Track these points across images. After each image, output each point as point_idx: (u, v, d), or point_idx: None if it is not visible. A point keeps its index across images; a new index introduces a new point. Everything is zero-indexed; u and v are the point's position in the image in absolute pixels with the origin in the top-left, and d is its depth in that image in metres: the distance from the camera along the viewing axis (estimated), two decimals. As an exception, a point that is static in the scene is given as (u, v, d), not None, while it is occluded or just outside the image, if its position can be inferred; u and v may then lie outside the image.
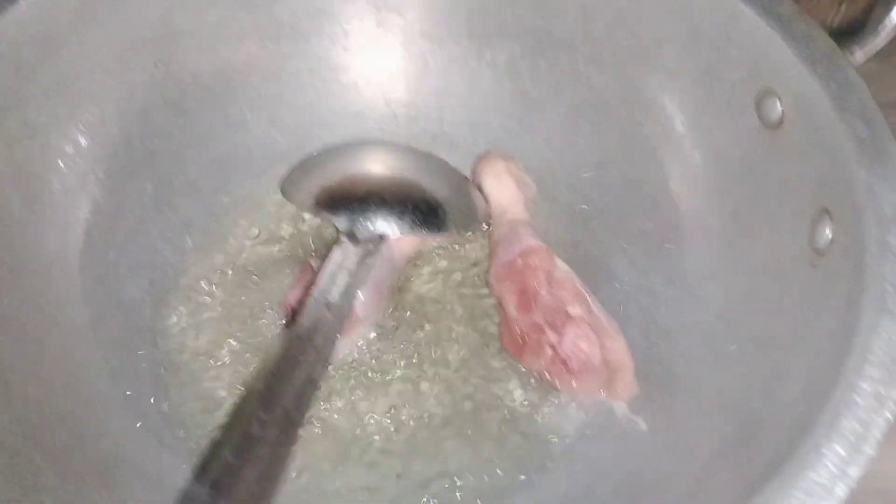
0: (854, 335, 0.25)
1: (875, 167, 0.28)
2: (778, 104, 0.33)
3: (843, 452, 0.22)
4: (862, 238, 0.27)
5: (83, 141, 0.36)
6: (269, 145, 0.41)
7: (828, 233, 0.30)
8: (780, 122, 0.33)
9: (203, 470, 0.30)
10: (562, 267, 0.36)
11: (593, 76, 0.40)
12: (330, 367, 0.34)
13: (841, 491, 0.21)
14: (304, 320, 0.30)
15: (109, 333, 0.34)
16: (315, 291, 0.31)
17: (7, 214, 0.32)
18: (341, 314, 0.31)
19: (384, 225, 0.36)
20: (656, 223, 0.37)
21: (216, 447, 0.31)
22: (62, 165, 0.35)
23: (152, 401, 0.33)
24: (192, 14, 0.38)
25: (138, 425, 0.31)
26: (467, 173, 0.41)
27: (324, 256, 0.35)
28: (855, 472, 0.22)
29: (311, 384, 0.30)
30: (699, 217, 0.36)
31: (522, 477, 0.33)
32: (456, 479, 0.33)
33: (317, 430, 0.33)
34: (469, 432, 0.34)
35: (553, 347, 0.35)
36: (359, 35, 0.42)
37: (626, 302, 0.37)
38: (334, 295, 0.31)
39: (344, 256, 0.33)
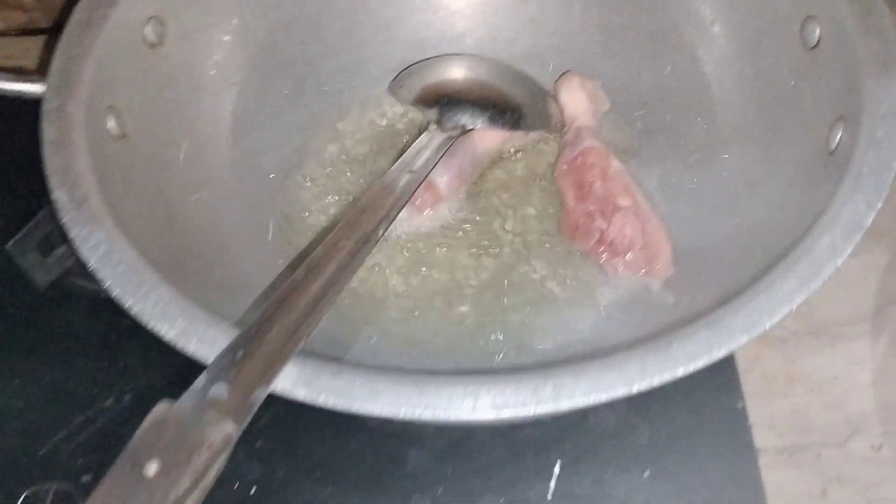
0: (829, 205, 0.30)
1: (881, 77, 0.33)
2: (817, 29, 0.37)
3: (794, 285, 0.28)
4: (857, 135, 0.32)
5: (233, 41, 0.45)
6: (385, 58, 0.49)
7: (839, 136, 0.34)
8: (817, 44, 0.37)
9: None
10: (615, 165, 0.42)
11: (671, 7, 0.45)
12: (407, 235, 0.42)
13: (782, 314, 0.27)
14: (387, 178, 0.37)
15: (248, 192, 0.43)
16: (400, 160, 0.39)
17: (177, 92, 0.42)
18: (418, 181, 0.38)
19: (466, 117, 0.43)
20: (707, 135, 0.43)
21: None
22: (217, 59, 0.44)
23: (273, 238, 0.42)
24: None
25: (262, 257, 0.40)
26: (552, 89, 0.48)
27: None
28: (799, 299, 0.27)
29: (379, 229, 0.36)
30: (743, 129, 0.41)
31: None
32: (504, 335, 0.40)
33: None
34: (518, 298, 0.41)
35: (602, 232, 0.41)
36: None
37: (672, 201, 0.42)
38: (415, 165, 0.39)
39: (430, 138, 0.41)
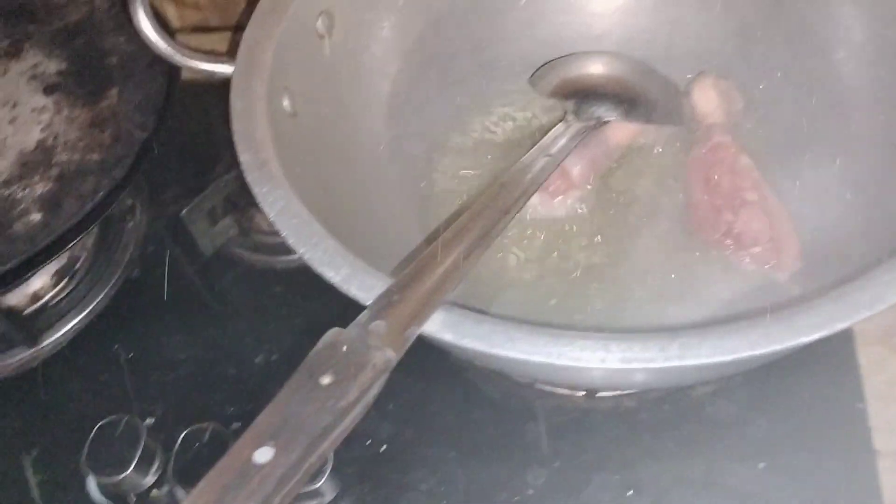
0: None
1: None
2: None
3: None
4: None
5: (390, 36, 0.49)
6: (526, 55, 0.52)
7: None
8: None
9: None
10: (744, 161, 0.43)
11: (807, 11, 0.46)
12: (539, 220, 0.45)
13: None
14: (525, 159, 0.40)
15: (396, 169, 0.47)
16: (538, 145, 0.42)
17: (339, 79, 0.46)
18: (554, 164, 0.41)
19: (602, 110, 0.46)
20: (840, 135, 0.44)
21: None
22: (375, 52, 0.49)
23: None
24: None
25: (403, 229, 0.44)
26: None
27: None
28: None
29: (518, 203, 0.39)
30: (877, 131, 0.42)
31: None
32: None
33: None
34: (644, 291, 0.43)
35: (729, 224, 0.42)
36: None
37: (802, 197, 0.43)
38: (552, 150, 0.42)
39: (566, 127, 0.44)
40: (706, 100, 0.46)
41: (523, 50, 0.52)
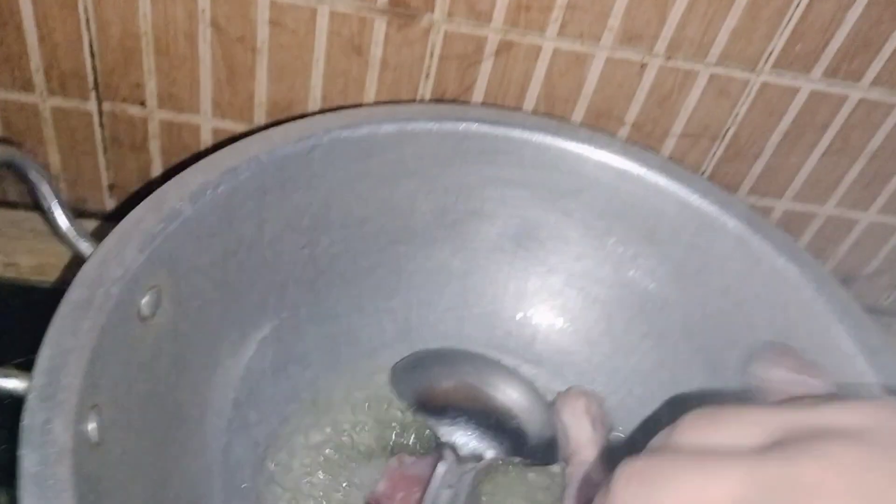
0: None
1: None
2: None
3: None
4: None
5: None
6: (380, 331, 0.45)
7: None
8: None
9: None
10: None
11: (680, 338, 0.44)
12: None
13: None
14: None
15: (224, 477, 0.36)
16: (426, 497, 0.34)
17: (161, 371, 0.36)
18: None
19: (485, 446, 0.39)
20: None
21: None
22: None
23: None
24: (345, 211, 0.43)
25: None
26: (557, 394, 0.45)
27: (413, 454, 0.39)
28: None
29: None
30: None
31: None
32: None
33: None
34: None
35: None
36: (476, 252, 0.46)
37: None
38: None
39: (447, 472, 0.36)
40: (578, 429, 0.42)
41: (377, 326, 0.45)
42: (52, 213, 0.35)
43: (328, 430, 0.41)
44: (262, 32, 0.43)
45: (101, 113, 0.46)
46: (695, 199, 0.41)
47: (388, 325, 0.45)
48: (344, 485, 0.39)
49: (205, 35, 0.43)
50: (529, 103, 0.47)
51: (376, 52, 0.44)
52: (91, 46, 0.43)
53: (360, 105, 0.46)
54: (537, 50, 0.44)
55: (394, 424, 0.41)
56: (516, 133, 0.42)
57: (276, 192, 0.39)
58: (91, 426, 0.29)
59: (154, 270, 0.34)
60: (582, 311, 0.47)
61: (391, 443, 0.41)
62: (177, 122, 0.47)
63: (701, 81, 0.46)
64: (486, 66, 0.45)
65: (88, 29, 0.42)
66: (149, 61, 0.44)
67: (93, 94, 0.45)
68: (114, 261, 0.32)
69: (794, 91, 0.46)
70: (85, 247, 0.35)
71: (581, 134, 0.43)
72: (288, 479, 0.39)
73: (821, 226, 0.55)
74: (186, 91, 0.45)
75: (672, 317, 0.44)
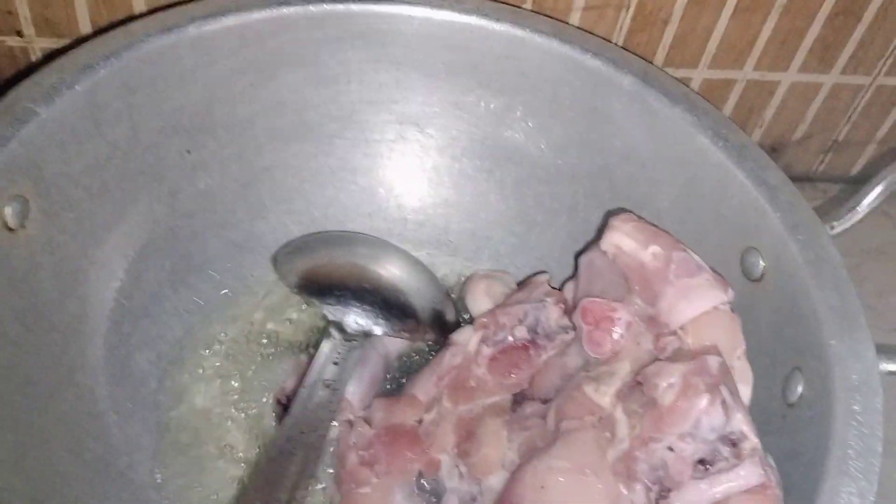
0: (816, 493, 0.27)
1: (845, 337, 0.31)
2: (760, 261, 0.36)
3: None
4: (830, 402, 0.30)
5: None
6: (285, 235, 0.43)
7: (799, 389, 0.32)
8: (761, 278, 0.36)
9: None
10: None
11: (590, 209, 0.43)
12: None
13: None
14: (295, 411, 0.31)
15: (118, 401, 0.35)
16: (304, 384, 0.33)
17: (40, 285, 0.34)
18: (337, 397, 0.32)
19: (371, 322, 0.38)
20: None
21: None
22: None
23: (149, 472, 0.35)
24: (228, 110, 0.41)
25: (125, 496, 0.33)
26: (464, 279, 0.44)
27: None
28: None
29: (306, 476, 0.31)
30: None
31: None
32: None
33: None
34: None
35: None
36: (379, 143, 0.45)
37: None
38: (322, 387, 0.33)
39: (333, 349, 0.36)
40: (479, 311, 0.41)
41: (281, 228, 0.43)
42: None
43: (234, 334, 0.40)
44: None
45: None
46: (587, 60, 0.39)
47: (293, 227, 0.44)
48: (254, 384, 0.38)
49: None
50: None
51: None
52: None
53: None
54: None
55: (299, 322, 0.40)
56: (401, 9, 0.40)
57: (145, 91, 0.37)
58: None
59: (13, 177, 0.32)
60: (493, 193, 0.45)
61: (301, 341, 0.40)
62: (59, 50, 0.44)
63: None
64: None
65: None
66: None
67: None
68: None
69: (694, -54, 0.45)
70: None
71: (469, 5, 0.41)
72: (196, 387, 0.38)
73: (742, 92, 0.54)
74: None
75: (581, 189, 0.43)
